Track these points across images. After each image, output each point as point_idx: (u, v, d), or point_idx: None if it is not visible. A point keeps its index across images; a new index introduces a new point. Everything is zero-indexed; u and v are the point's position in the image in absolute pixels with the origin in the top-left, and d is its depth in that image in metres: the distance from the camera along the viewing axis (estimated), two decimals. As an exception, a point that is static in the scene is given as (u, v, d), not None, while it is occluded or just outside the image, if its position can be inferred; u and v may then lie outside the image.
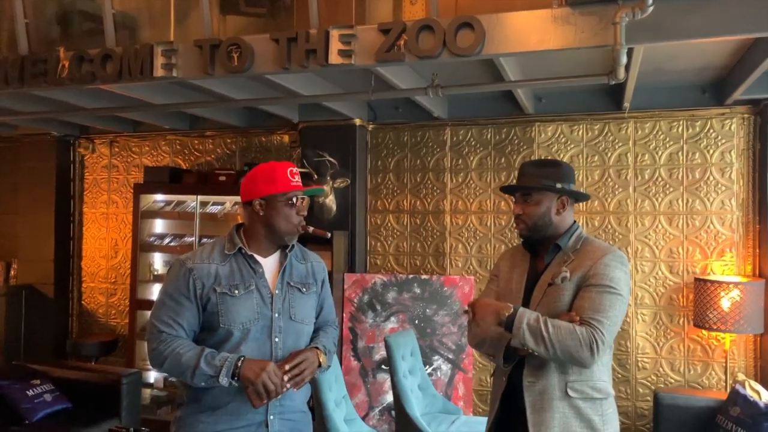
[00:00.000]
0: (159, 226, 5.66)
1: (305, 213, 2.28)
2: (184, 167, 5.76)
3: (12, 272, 6.04)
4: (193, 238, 5.30)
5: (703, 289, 4.11)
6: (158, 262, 5.58)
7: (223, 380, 2.04)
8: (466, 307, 2.23)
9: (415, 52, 3.21)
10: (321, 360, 2.24)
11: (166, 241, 5.50)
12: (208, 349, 2.10)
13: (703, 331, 4.34)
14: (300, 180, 2.28)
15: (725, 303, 3.98)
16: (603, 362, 2.19)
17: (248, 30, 4.25)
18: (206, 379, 2.06)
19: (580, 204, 4.66)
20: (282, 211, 2.22)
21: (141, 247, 5.43)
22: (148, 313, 5.26)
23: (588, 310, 2.10)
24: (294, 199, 2.23)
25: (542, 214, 2.28)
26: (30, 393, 4.13)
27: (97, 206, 6.05)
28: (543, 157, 4.72)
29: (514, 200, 2.41)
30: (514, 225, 2.39)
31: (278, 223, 2.22)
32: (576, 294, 2.17)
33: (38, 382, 4.26)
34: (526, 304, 2.26)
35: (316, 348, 2.26)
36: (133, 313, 5.40)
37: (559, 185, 2.28)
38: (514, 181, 4.70)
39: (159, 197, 5.59)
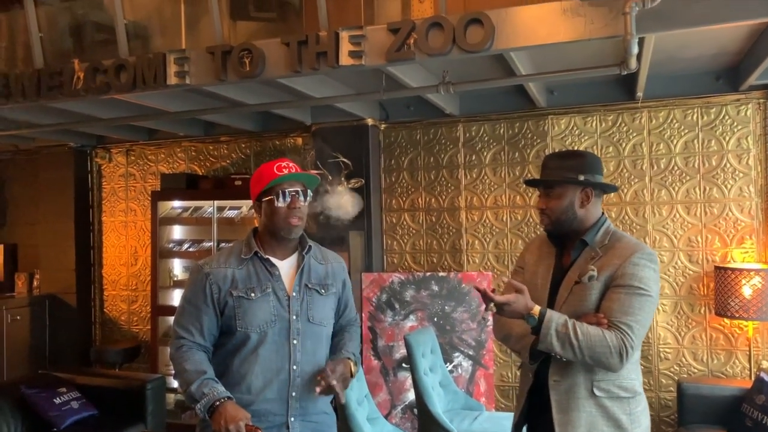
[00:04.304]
0: (177, 232, 5.72)
1: (298, 206, 2.20)
2: (200, 173, 5.81)
3: (35, 282, 6.14)
4: (212, 243, 5.34)
5: (723, 277, 4.07)
6: (178, 267, 5.64)
7: (199, 411, 2.05)
8: (493, 307, 2.08)
9: (425, 51, 3.22)
10: (353, 371, 2.26)
11: (185, 246, 5.56)
12: (209, 376, 2.10)
13: (725, 320, 4.30)
14: (293, 170, 2.21)
15: (747, 290, 3.94)
16: (632, 361, 2.12)
17: (258, 35, 4.28)
18: (191, 401, 2.08)
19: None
20: (272, 206, 2.19)
21: (160, 253, 5.49)
22: (170, 318, 5.38)
23: (617, 313, 2.04)
24: (284, 192, 2.18)
25: (565, 208, 2.21)
26: (57, 401, 4.20)
27: (116, 215, 6.12)
28: (558, 150, 4.71)
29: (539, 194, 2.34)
30: (539, 219, 2.32)
31: (271, 219, 2.20)
32: (603, 293, 2.10)
33: (65, 389, 4.32)
34: (551, 300, 2.21)
35: (349, 359, 2.27)
36: (155, 320, 5.46)
37: (581, 177, 2.20)
38: (530, 175, 4.74)
39: (176, 204, 5.64)
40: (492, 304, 2.06)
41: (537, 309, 2.05)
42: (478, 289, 2.08)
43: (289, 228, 2.21)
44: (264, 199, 2.21)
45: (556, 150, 4.73)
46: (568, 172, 2.22)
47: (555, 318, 2.04)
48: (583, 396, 2.11)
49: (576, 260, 2.23)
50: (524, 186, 4.80)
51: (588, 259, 2.19)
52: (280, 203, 2.18)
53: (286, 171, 2.19)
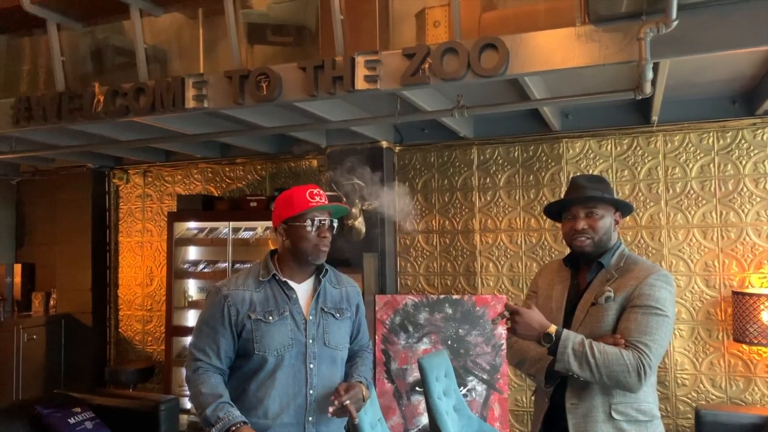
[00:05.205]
0: (193, 253, 5.76)
1: (327, 235, 2.25)
2: (216, 194, 5.86)
3: (51, 302, 6.20)
4: (227, 264, 5.37)
5: (741, 302, 4.02)
6: (193, 288, 5.67)
7: None
8: (506, 312, 2.09)
9: (439, 75, 3.24)
10: (365, 394, 2.26)
11: (200, 267, 5.59)
12: (224, 400, 2.11)
13: (744, 346, 4.24)
14: (324, 200, 2.25)
15: (765, 316, 3.89)
16: (648, 383, 2.10)
17: (275, 59, 4.33)
18: (206, 425, 2.09)
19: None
20: (302, 233, 2.21)
21: (176, 274, 5.53)
22: (184, 339, 5.40)
23: (634, 333, 2.04)
24: (315, 220, 2.22)
25: (607, 228, 2.23)
26: (71, 421, 4.20)
27: (132, 235, 6.18)
28: (573, 173, 4.70)
29: (568, 217, 2.27)
30: (573, 240, 2.24)
31: (300, 246, 2.23)
32: (620, 314, 2.11)
33: (79, 410, 4.32)
34: (567, 322, 2.20)
35: (361, 383, 2.28)
36: (169, 340, 5.48)
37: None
38: (545, 198, 4.73)
39: (192, 225, 5.69)
40: (507, 312, 2.08)
41: (553, 328, 2.06)
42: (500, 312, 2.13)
43: (317, 255, 2.25)
44: (293, 224, 2.23)
45: (571, 173, 4.72)
46: (606, 193, 2.24)
47: (572, 337, 2.05)
48: (601, 419, 2.09)
49: (592, 282, 2.23)
50: (539, 209, 4.79)
51: (604, 281, 2.19)
52: (312, 231, 2.22)
53: (318, 199, 2.23)
